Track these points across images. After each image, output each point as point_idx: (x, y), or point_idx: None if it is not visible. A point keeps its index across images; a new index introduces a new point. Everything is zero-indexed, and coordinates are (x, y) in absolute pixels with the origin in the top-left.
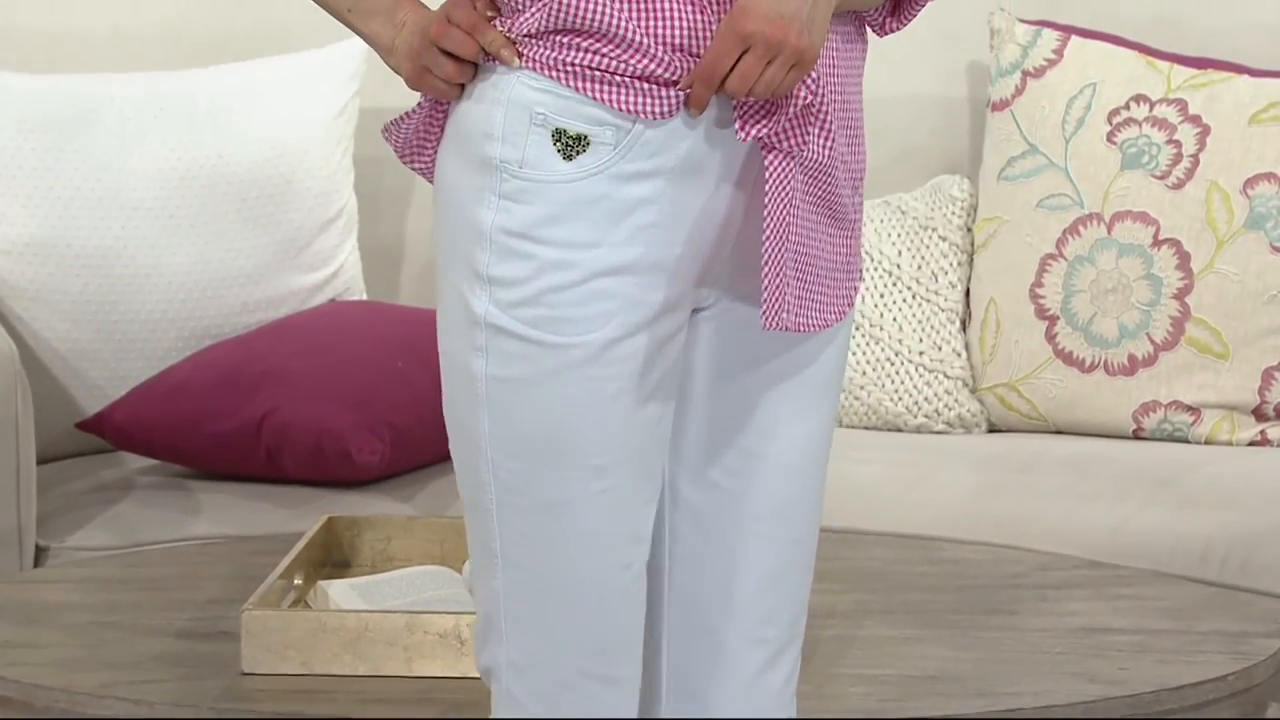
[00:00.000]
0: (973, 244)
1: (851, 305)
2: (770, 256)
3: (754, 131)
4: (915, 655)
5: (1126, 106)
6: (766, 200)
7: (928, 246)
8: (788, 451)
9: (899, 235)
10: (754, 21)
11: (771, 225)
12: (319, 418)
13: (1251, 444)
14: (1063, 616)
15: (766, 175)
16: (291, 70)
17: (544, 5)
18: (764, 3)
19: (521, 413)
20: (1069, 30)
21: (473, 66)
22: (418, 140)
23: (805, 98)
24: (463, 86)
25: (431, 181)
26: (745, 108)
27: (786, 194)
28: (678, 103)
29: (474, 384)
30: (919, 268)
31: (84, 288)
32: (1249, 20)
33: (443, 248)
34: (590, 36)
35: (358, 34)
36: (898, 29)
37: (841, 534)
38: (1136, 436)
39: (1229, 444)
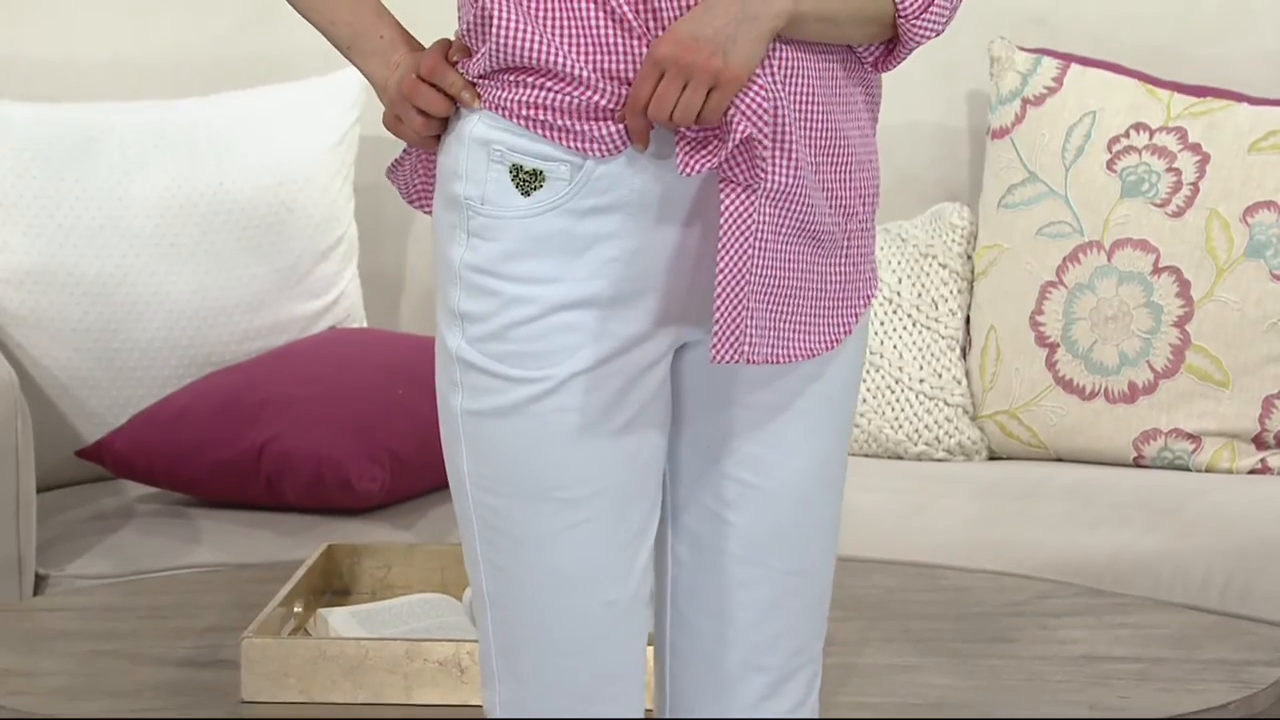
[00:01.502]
0: (973, 271)
1: (849, 332)
2: (723, 290)
3: (695, 165)
4: (916, 683)
5: (1126, 134)
6: (720, 233)
7: (928, 274)
8: (787, 482)
9: (899, 263)
10: (666, 45)
11: (725, 258)
12: (319, 445)
13: (1252, 472)
14: (1063, 644)
15: (721, 208)
16: (292, 98)
17: (487, 47)
18: (682, 27)
19: (493, 448)
20: (1069, 58)
21: (440, 121)
22: (419, 182)
23: (744, 130)
24: (437, 138)
25: None
26: (685, 142)
27: (743, 226)
28: (623, 138)
29: (453, 419)
30: (919, 295)
31: (84, 315)
32: (1248, 49)
33: (435, 284)
34: (534, 73)
35: (359, 70)
36: (887, 69)
37: (842, 561)
38: (1137, 464)
39: (1229, 472)
